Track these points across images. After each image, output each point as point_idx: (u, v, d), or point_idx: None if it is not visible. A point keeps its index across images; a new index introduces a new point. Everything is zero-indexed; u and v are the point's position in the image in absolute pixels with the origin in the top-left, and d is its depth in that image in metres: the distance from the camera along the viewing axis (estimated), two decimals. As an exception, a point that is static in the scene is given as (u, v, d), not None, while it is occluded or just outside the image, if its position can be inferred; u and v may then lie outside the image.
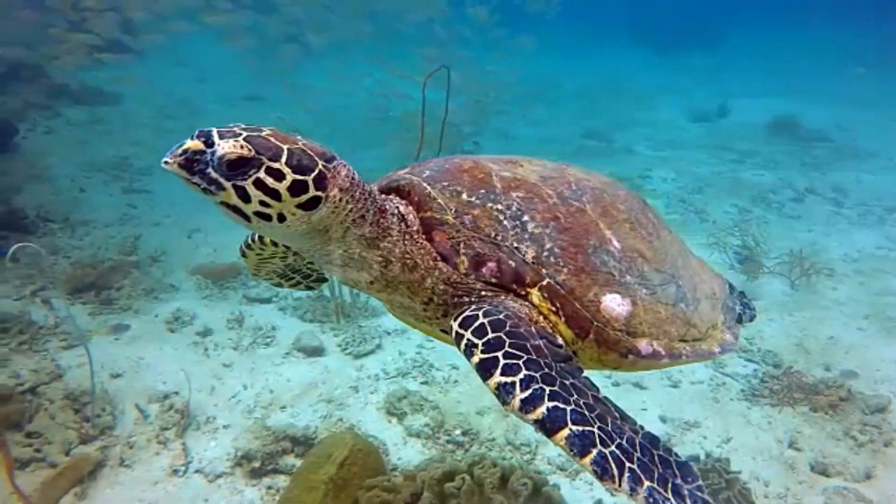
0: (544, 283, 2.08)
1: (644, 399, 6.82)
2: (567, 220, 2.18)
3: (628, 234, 2.31)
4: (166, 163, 1.82)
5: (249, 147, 1.84)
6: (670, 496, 1.70)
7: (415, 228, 2.19)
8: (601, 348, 2.12)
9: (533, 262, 2.10)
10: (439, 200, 2.19)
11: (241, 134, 1.86)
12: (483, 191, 2.21)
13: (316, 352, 7.19)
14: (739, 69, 29.43)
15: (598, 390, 1.93)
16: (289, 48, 14.77)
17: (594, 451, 1.69)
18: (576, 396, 1.81)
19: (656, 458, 1.81)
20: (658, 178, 14.58)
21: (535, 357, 1.87)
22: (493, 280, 2.10)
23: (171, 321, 7.64)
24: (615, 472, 1.67)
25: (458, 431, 6.03)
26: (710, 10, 40.02)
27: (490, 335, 1.91)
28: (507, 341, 1.89)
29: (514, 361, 1.83)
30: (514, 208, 2.17)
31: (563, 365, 1.93)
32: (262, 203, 1.89)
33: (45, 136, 13.06)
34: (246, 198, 1.88)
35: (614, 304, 2.13)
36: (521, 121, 19.22)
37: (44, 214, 10.13)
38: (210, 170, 1.83)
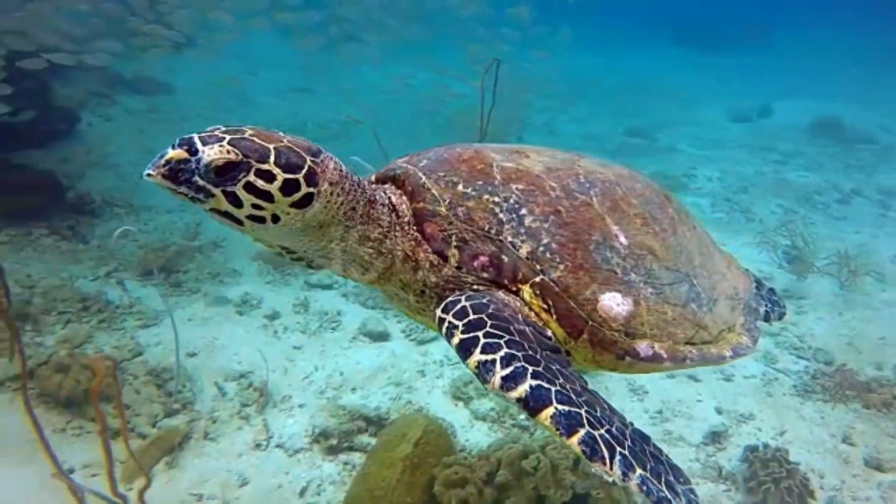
0: (537, 279, 2.02)
1: (699, 391, 6.99)
2: (569, 215, 2.11)
3: (639, 229, 2.22)
4: (149, 175, 1.77)
5: (236, 151, 1.79)
6: (663, 488, 1.65)
7: (406, 219, 2.16)
8: (595, 349, 2.05)
9: (527, 258, 2.04)
10: (433, 191, 2.14)
11: (224, 138, 1.81)
12: (480, 182, 2.14)
13: (381, 337, 7.46)
14: (781, 69, 29.21)
15: (585, 382, 1.88)
16: (346, 46, 15.07)
17: (582, 431, 1.63)
18: (562, 380, 1.76)
19: (648, 452, 1.77)
20: (703, 177, 14.65)
21: (517, 339, 1.81)
22: (485, 274, 2.06)
23: (239, 304, 7.96)
24: (605, 453, 1.61)
25: (522, 416, 6.26)
26: (752, 10, 39.75)
27: (471, 316, 1.86)
28: (489, 322, 1.83)
29: (496, 340, 1.78)
30: (511, 201, 2.10)
31: (549, 353, 1.88)
32: (255, 206, 1.86)
33: (106, 123, 13.46)
34: (237, 203, 1.84)
35: (613, 303, 2.05)
36: (563, 117, 19.36)
37: (109, 199, 10.52)
38: (197, 178, 1.78)
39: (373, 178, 2.33)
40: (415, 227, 2.16)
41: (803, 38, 37.68)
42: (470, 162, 2.22)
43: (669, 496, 1.64)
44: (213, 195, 1.82)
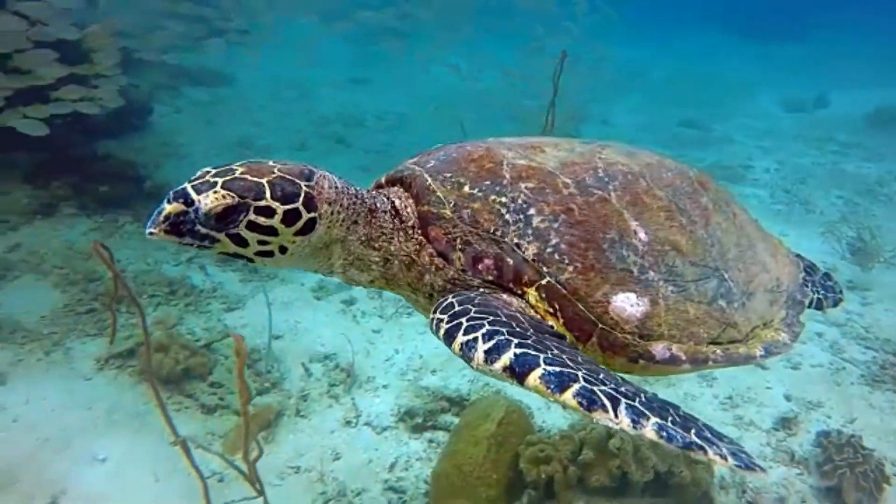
0: (543, 282, 1.97)
1: (767, 379, 7.12)
2: (582, 212, 2.04)
3: (662, 224, 2.13)
4: (151, 233, 1.80)
5: (231, 194, 1.80)
6: (691, 435, 1.49)
7: (410, 223, 2.15)
8: (606, 352, 1.98)
9: (533, 260, 1.98)
10: (438, 193, 2.11)
11: (216, 182, 1.82)
12: (488, 182, 2.10)
13: (456, 322, 7.72)
14: (836, 58, 28.67)
15: (592, 362, 1.77)
16: (401, 41, 15.39)
17: (576, 385, 1.52)
18: (556, 351, 1.67)
19: (672, 411, 1.59)
20: (760, 168, 14.62)
21: (503, 320, 1.77)
22: (489, 277, 2.02)
23: (316, 290, 8.29)
24: (606, 403, 1.49)
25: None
26: (805, -2, 38.99)
27: (456, 308, 1.84)
28: (473, 309, 1.81)
29: (479, 321, 1.74)
30: (519, 201, 2.05)
31: (548, 335, 1.80)
32: (261, 242, 1.89)
33: (175, 115, 13.95)
34: (243, 243, 1.87)
35: (626, 304, 1.97)
36: (617, 108, 19.40)
37: (184, 189, 10.95)
38: (199, 227, 1.81)
39: (383, 179, 2.32)
40: (419, 231, 2.13)
41: (857, 26, 36.86)
42: (479, 161, 2.17)
43: (700, 441, 1.47)
44: (218, 240, 1.85)
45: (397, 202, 2.19)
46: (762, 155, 15.69)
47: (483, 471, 5.30)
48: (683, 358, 2.02)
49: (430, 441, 5.96)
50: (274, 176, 1.90)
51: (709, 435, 1.53)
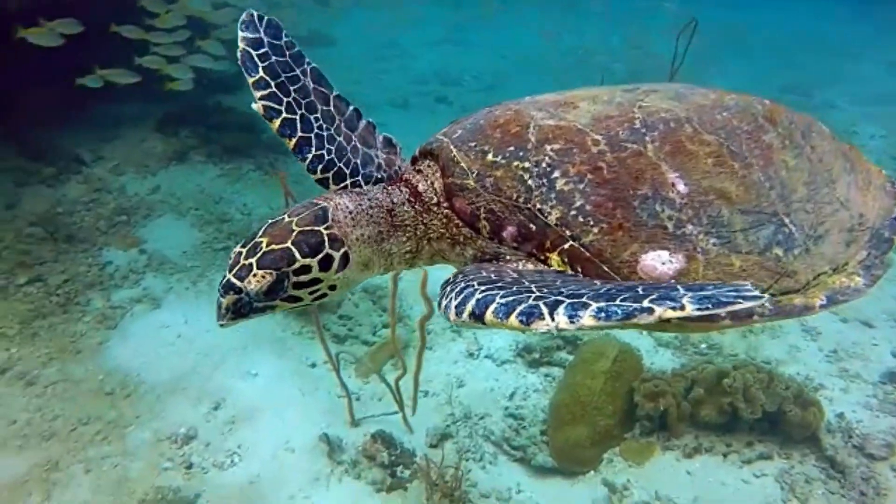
0: (566, 246, 1.95)
1: (874, 336, 7.24)
2: (611, 170, 1.98)
3: (709, 171, 2.03)
4: (221, 324, 2.04)
5: (269, 271, 1.97)
6: (640, 303, 1.46)
7: (434, 201, 2.21)
8: None
9: (557, 224, 1.96)
10: (462, 164, 2.13)
11: (252, 265, 1.98)
12: (512, 148, 2.08)
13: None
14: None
15: (577, 279, 1.83)
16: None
17: (521, 307, 1.55)
18: (526, 285, 1.70)
19: (632, 289, 1.56)
20: (865, 135, 14.30)
21: (485, 276, 1.82)
22: (514, 244, 2.04)
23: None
24: (544, 311, 1.51)
25: (703, 345, 6.77)
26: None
27: (453, 282, 1.87)
28: (466, 277, 1.83)
29: (461, 286, 1.77)
30: (543, 165, 2.02)
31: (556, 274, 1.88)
32: (311, 292, 2.08)
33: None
34: (297, 299, 2.08)
35: (657, 262, 1.91)
36: (713, 70, 19.11)
37: (297, 141, 11.58)
38: (256, 304, 2.01)
39: (417, 152, 2.37)
40: (446, 204, 2.18)
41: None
42: (505, 126, 2.15)
43: (647, 304, 1.45)
44: (276, 306, 2.06)
45: (420, 185, 2.24)
46: (868, 121, 15.29)
47: (600, 402, 5.70)
48: (722, 314, 1.87)
49: (546, 375, 6.39)
50: (295, 235, 2.02)
51: (672, 293, 1.48)
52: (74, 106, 10.04)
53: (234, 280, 1.97)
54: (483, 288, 1.69)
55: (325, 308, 7.05)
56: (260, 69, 2.33)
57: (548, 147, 2.05)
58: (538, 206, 1.99)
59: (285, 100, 2.35)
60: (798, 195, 2.16)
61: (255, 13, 2.39)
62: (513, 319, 1.54)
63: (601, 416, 5.66)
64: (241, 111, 11.31)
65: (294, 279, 2.01)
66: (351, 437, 5.54)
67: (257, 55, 2.34)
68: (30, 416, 5.63)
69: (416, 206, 2.23)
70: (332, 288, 2.12)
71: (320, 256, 2.03)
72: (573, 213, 1.96)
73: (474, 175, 2.10)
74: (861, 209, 2.37)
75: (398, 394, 5.50)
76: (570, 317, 1.47)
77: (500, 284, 1.72)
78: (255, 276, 1.96)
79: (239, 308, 2.00)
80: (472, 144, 2.15)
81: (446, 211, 2.19)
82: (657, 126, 2.09)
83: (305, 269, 2.02)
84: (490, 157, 2.10)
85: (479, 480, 5.27)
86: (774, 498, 5.07)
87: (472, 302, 1.65)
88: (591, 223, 1.94)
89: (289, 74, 2.39)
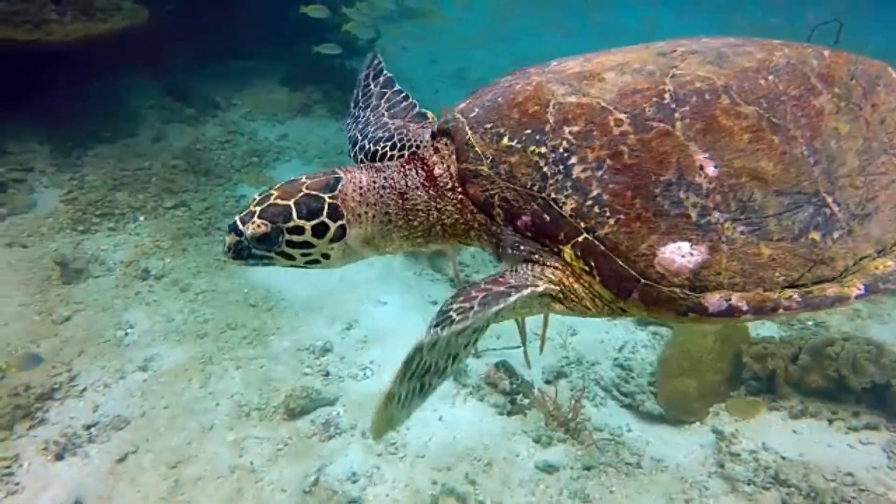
0: (580, 239, 1.85)
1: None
2: (633, 154, 1.86)
3: (743, 149, 1.88)
4: (225, 260, 2.14)
5: (265, 221, 2.00)
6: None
7: (448, 186, 2.12)
8: (650, 307, 1.85)
9: (571, 216, 1.85)
10: (476, 149, 2.02)
11: (255, 212, 2.03)
12: (529, 131, 1.97)
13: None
14: None
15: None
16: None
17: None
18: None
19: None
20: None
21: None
22: (528, 234, 1.95)
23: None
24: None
25: (810, 322, 6.94)
26: None
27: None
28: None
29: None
30: (560, 150, 1.91)
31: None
32: (304, 255, 2.08)
33: (402, 52, 15.13)
34: (290, 257, 2.08)
35: (677, 255, 1.81)
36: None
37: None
38: (254, 250, 2.06)
39: (435, 128, 2.26)
40: (460, 190, 2.09)
41: None
42: (523, 105, 2.02)
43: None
44: (272, 258, 2.08)
45: (437, 168, 2.16)
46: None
47: (709, 359, 5.97)
48: (745, 308, 1.81)
49: (654, 334, 6.67)
50: (300, 195, 2.05)
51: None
52: (212, 58, 10.77)
53: (238, 222, 2.03)
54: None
55: (441, 255, 7.48)
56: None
57: (566, 129, 1.93)
58: (553, 195, 1.88)
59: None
60: (847, 168, 1.96)
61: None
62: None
63: (710, 372, 5.93)
64: (360, 74, 11.84)
65: (287, 237, 2.03)
66: (473, 365, 5.95)
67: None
68: (185, 317, 6.23)
69: (430, 192, 2.14)
70: (326, 256, 2.11)
71: (315, 222, 2.03)
72: (589, 203, 1.84)
73: (489, 161, 1.99)
74: None
75: (523, 330, 5.86)
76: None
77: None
78: (253, 223, 2.00)
79: (239, 250, 2.06)
80: (489, 126, 2.04)
81: (461, 196, 2.09)
82: (690, 99, 1.92)
83: (298, 229, 2.03)
84: (505, 140, 1.99)
85: (591, 416, 5.61)
86: (881, 464, 5.24)
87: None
88: (608, 214, 1.82)
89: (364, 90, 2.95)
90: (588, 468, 5.08)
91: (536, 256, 1.94)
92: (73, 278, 6.56)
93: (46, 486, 4.65)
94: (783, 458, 5.16)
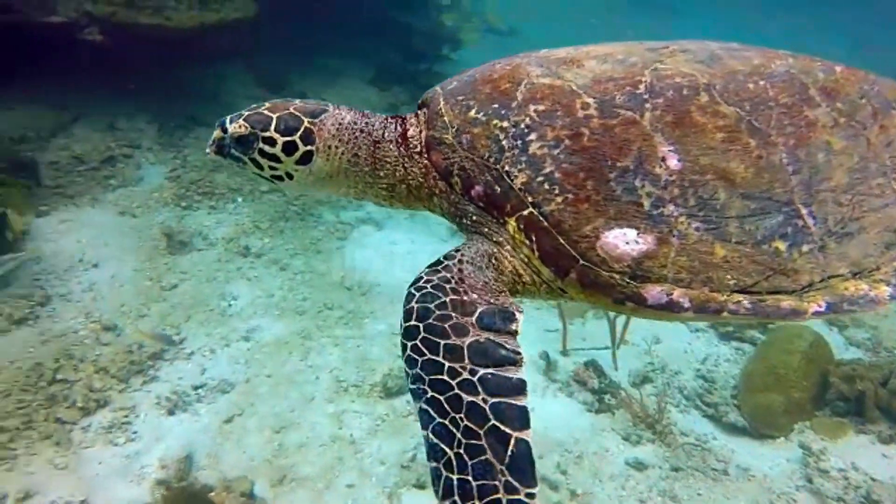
0: (525, 212, 1.86)
1: None
2: (593, 137, 1.85)
3: (714, 147, 1.85)
4: (207, 153, 2.19)
5: (246, 125, 2.08)
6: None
7: (417, 149, 2.15)
8: (587, 290, 1.84)
9: (520, 189, 1.87)
10: (445, 118, 2.06)
11: (242, 114, 2.12)
12: (496, 105, 1.99)
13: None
14: None
15: (516, 424, 1.62)
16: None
17: (434, 464, 1.60)
18: (459, 415, 1.63)
19: (501, 482, 1.56)
20: None
21: (440, 360, 1.70)
22: (480, 204, 1.97)
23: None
24: (439, 490, 1.57)
25: (896, 351, 6.94)
26: None
27: (412, 322, 1.77)
28: (421, 335, 1.74)
29: (415, 356, 1.72)
30: (521, 126, 1.92)
31: (486, 372, 1.69)
32: (271, 167, 2.15)
33: (480, 54, 15.39)
34: (259, 166, 2.14)
35: (621, 240, 1.79)
36: None
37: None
38: (232, 150, 2.13)
39: (419, 100, 2.32)
40: (425, 156, 2.13)
41: None
42: (496, 82, 2.05)
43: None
44: (245, 162, 2.15)
45: (411, 129, 2.19)
46: None
47: (795, 377, 6.00)
48: (687, 305, 1.78)
49: (737, 349, 6.73)
50: (286, 112, 2.13)
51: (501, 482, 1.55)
52: (304, 54, 11.15)
53: (227, 120, 2.13)
54: (430, 395, 1.66)
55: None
56: None
57: (532, 107, 1.94)
58: (506, 167, 1.90)
59: None
60: (832, 183, 1.90)
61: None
62: (430, 465, 1.62)
63: (795, 390, 5.95)
64: (445, 75, 12.12)
65: (260, 145, 2.09)
66: (562, 362, 6.08)
67: None
68: (284, 294, 6.49)
69: (401, 150, 2.18)
70: (289, 177, 2.18)
71: (286, 139, 2.09)
72: (540, 179, 1.85)
73: (453, 130, 2.03)
74: None
75: (615, 332, 6.00)
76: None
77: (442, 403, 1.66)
78: (237, 123, 2.09)
79: (221, 146, 2.14)
80: (460, 98, 2.07)
81: (426, 161, 2.13)
82: (665, 92, 1.90)
83: (271, 140, 2.09)
84: (472, 113, 2.02)
85: (676, 421, 5.69)
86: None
87: (418, 407, 1.68)
88: (556, 192, 1.83)
89: None
90: (676, 469, 5.16)
91: (486, 229, 1.97)
92: (178, 249, 6.88)
93: (160, 438, 4.90)
94: (873, 480, 5.17)
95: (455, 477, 1.56)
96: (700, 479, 5.13)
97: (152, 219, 7.29)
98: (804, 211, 1.85)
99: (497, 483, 1.55)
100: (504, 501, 1.54)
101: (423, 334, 1.74)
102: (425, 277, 1.86)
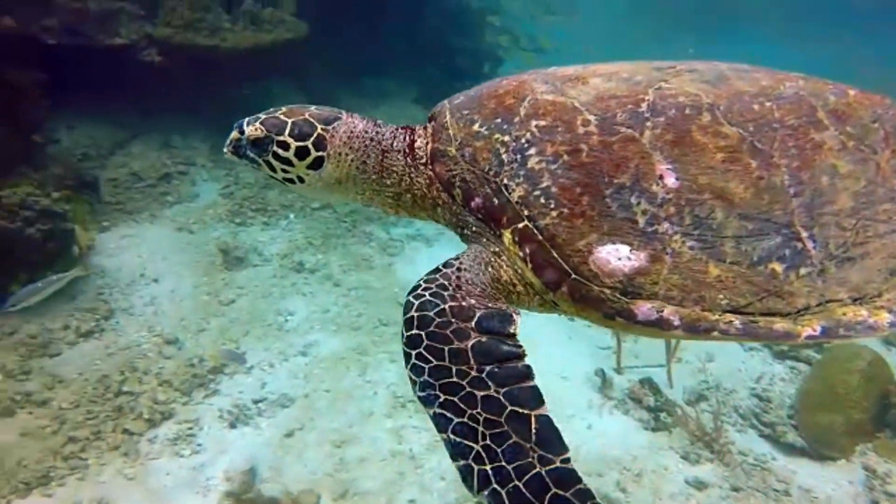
0: (519, 225, 1.90)
1: None
2: (592, 153, 1.88)
3: (713, 167, 1.86)
4: (224, 152, 2.26)
5: (262, 128, 2.14)
6: None
7: (423, 161, 2.20)
8: (578, 304, 1.85)
9: (517, 202, 1.91)
10: (450, 131, 2.11)
11: (259, 118, 2.18)
12: (499, 120, 2.04)
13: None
14: None
15: (532, 403, 1.69)
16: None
17: (462, 461, 1.62)
18: (476, 410, 1.68)
19: (549, 495, 1.58)
20: None
21: (447, 364, 1.76)
22: (479, 215, 2.01)
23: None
24: (475, 484, 1.59)
25: (957, 373, 6.80)
26: None
27: (414, 331, 1.82)
28: (424, 343, 1.80)
29: (421, 364, 1.76)
30: (522, 140, 1.96)
31: (492, 368, 1.75)
32: (284, 170, 2.20)
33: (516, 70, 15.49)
34: (272, 168, 2.20)
35: (613, 256, 1.81)
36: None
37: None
38: (248, 151, 2.19)
39: (386, 130, 2.36)
40: (430, 167, 2.17)
41: None
42: (501, 97, 2.09)
43: None
44: (259, 163, 2.21)
45: (418, 140, 2.23)
46: None
47: (855, 397, 5.91)
48: (676, 323, 1.79)
49: (792, 368, 6.66)
50: (301, 117, 2.19)
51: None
52: (351, 74, 11.37)
53: (245, 122, 2.19)
54: (443, 398, 1.70)
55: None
56: None
57: (533, 123, 1.97)
58: (505, 181, 1.94)
59: None
60: (835, 207, 1.89)
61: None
62: (456, 466, 1.63)
63: (855, 411, 5.87)
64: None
65: (275, 148, 2.15)
66: (616, 380, 6.07)
67: None
68: (339, 310, 6.59)
69: (408, 160, 2.23)
70: (300, 180, 2.23)
71: (299, 144, 2.15)
72: (536, 192, 1.88)
73: (457, 143, 2.07)
74: None
75: (671, 350, 5.99)
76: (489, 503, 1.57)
77: (454, 401, 1.70)
78: (253, 126, 2.15)
79: (237, 147, 2.20)
80: (465, 112, 2.12)
81: (430, 173, 2.16)
82: (667, 111, 1.92)
83: (285, 144, 2.15)
84: (475, 126, 2.06)
85: (734, 440, 5.64)
86: None
87: (431, 413, 1.70)
88: (552, 206, 1.86)
89: None
90: (736, 489, 5.12)
91: (484, 239, 2.00)
92: (234, 265, 7.02)
93: (224, 451, 4.99)
94: (942, 503, 5.09)
95: (488, 467, 1.59)
96: (761, 500, 5.08)
97: (208, 235, 7.45)
98: (804, 234, 1.84)
99: (531, 459, 1.59)
100: (543, 472, 1.58)
101: (426, 342, 1.78)
102: (423, 285, 1.91)
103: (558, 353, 6.35)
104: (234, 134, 2.20)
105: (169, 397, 5.39)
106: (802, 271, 1.81)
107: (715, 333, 1.78)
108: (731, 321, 1.79)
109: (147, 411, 5.21)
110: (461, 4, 14.31)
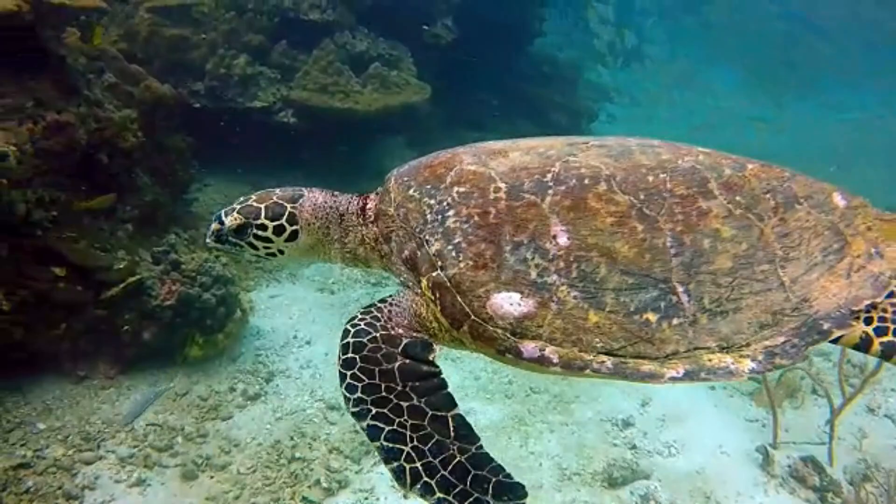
0: (433, 274, 2.17)
1: None
2: (498, 216, 2.16)
3: (602, 229, 2.10)
4: (207, 244, 2.59)
5: (241, 217, 2.48)
6: None
7: (371, 219, 2.51)
8: (476, 341, 2.13)
9: (434, 255, 2.18)
10: (391, 194, 2.39)
11: (235, 208, 2.51)
12: (429, 186, 2.31)
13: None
14: None
15: (448, 407, 2.06)
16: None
17: (395, 463, 1.93)
18: (403, 418, 2.02)
19: (470, 476, 1.93)
20: None
21: (377, 382, 2.09)
22: (407, 265, 2.29)
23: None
24: (408, 481, 1.90)
25: None
26: None
27: (349, 354, 2.15)
28: (358, 364, 2.12)
29: (355, 383, 2.08)
30: (444, 203, 2.24)
31: (414, 384, 2.11)
32: (265, 248, 2.55)
33: (608, 124, 15.63)
34: (254, 248, 2.55)
35: (506, 302, 2.07)
36: None
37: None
38: (230, 238, 2.51)
39: (342, 199, 2.70)
40: (374, 224, 2.49)
41: None
42: (434, 167, 2.37)
43: None
44: (242, 247, 2.55)
45: (370, 203, 2.56)
46: None
47: None
48: (555, 361, 2.05)
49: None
50: (271, 202, 2.53)
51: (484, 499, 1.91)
52: (451, 129, 11.62)
53: (223, 213, 2.51)
54: (374, 411, 2.01)
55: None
56: None
57: (455, 189, 2.25)
58: (427, 236, 2.22)
59: None
60: (713, 266, 2.11)
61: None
62: (388, 469, 1.96)
63: None
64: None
65: (255, 231, 2.49)
66: (776, 456, 6.03)
67: None
68: (489, 376, 6.68)
69: (360, 219, 2.56)
70: (281, 252, 2.58)
71: (276, 224, 2.50)
72: (450, 247, 2.16)
73: (395, 204, 2.36)
74: (810, 295, 2.18)
75: (833, 428, 5.94)
76: (421, 495, 1.89)
77: (393, 410, 2.03)
78: (231, 217, 2.48)
79: (219, 236, 2.52)
80: (406, 179, 2.40)
81: (376, 229, 2.49)
82: (567, 181, 2.18)
83: (263, 226, 2.49)
84: (411, 191, 2.34)
85: (906, 524, 5.55)
86: None
87: (364, 426, 2.01)
88: (460, 259, 2.14)
89: None
90: (919, 578, 5.03)
91: (411, 283, 2.29)
92: (377, 327, 7.14)
93: (405, 521, 5.07)
94: None
95: (419, 464, 1.92)
96: (946, 590, 4.98)
97: (348, 296, 7.62)
98: (680, 288, 2.06)
99: (453, 451, 1.96)
100: (463, 460, 1.94)
101: (360, 364, 2.11)
102: (359, 316, 2.26)
103: (709, 425, 6.34)
104: (215, 225, 2.52)
105: (341, 465, 5.50)
106: (675, 321, 2.05)
107: (588, 371, 2.02)
108: (604, 361, 2.03)
109: (325, 480, 5.32)
110: (548, 56, 14.55)
